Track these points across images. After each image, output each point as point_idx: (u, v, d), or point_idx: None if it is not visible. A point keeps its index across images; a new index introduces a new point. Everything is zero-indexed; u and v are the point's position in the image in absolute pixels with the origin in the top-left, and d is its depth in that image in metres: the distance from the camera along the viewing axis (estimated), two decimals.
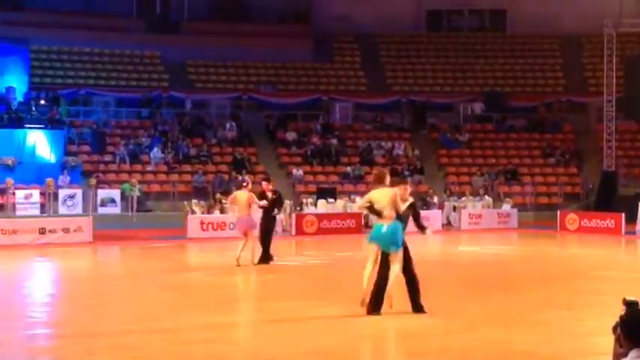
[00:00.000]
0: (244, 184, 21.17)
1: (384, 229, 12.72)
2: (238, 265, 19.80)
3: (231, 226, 28.07)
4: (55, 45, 41.95)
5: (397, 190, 12.85)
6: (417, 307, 13.10)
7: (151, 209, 33.84)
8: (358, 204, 13.22)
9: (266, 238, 20.76)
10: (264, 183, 21.81)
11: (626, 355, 5.06)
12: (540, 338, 11.63)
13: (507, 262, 22.75)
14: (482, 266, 21.25)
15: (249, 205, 20.32)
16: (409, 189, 13.33)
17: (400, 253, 12.78)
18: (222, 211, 30.84)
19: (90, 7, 42.70)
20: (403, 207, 12.89)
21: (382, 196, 12.84)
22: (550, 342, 11.43)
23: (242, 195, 20.44)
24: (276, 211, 21.41)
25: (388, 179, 13.00)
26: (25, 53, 38.85)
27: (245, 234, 20.25)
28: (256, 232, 20.71)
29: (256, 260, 20.27)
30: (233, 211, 21.44)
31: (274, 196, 21.04)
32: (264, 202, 20.60)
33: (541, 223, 34.09)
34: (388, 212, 12.69)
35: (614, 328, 5.30)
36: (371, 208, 13.04)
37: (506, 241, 29.91)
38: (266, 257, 20.62)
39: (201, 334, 11.79)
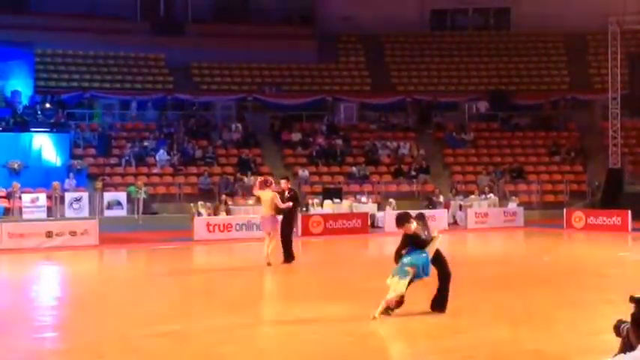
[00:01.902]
0: (267, 183, 21.27)
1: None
2: (269, 264, 20.02)
3: (242, 227, 28.41)
4: (59, 48, 41.98)
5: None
6: (439, 306, 13.15)
7: (156, 212, 33.84)
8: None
9: (286, 238, 20.94)
10: (282, 182, 21.94)
11: (633, 349, 5.07)
12: (547, 336, 11.63)
13: (514, 261, 22.73)
14: (488, 265, 21.24)
15: (273, 205, 20.50)
16: (413, 225, 13.27)
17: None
18: (227, 212, 30.89)
19: (94, 10, 42.75)
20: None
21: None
22: (557, 340, 11.43)
23: (266, 195, 20.64)
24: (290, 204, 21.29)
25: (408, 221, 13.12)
26: (30, 57, 38.92)
27: (269, 233, 20.51)
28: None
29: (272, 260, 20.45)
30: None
31: (289, 195, 21.18)
32: (288, 204, 20.73)
33: (547, 221, 34.05)
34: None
35: (616, 327, 5.30)
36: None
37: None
38: (288, 257, 20.82)
39: (210, 336, 11.81)
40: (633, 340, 5.09)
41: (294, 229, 21.90)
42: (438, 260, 13.17)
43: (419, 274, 12.84)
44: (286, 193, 21.15)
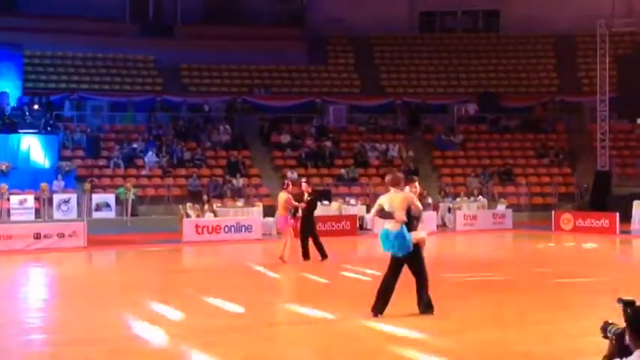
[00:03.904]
0: (284, 186, 22.05)
1: (392, 236, 12.76)
2: (284, 262, 20.95)
3: (230, 229, 28.62)
4: (48, 50, 41.93)
5: (410, 194, 12.92)
6: (426, 308, 13.12)
7: (138, 214, 33.62)
8: (371, 214, 13.47)
9: (304, 238, 21.73)
10: (303, 185, 22.73)
11: (630, 353, 5.07)
12: (536, 338, 11.65)
13: (502, 263, 22.76)
14: (477, 267, 21.26)
15: (286, 206, 21.28)
16: (418, 188, 13.39)
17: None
18: (215, 214, 30.89)
19: (83, 11, 42.63)
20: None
21: (395, 199, 12.87)
22: (546, 342, 11.45)
23: (282, 196, 21.46)
24: (299, 212, 21.93)
25: (403, 184, 13.09)
26: (19, 58, 38.80)
27: (284, 233, 21.43)
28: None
29: (286, 258, 21.20)
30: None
31: (309, 198, 21.93)
32: (301, 204, 21.59)
33: (536, 223, 34.11)
34: (399, 216, 12.71)
35: (603, 329, 5.30)
36: (382, 212, 12.99)
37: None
38: (306, 255, 21.61)
39: (199, 338, 11.80)
40: (631, 344, 5.07)
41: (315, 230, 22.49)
42: (415, 261, 13.05)
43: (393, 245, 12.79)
44: (306, 195, 21.96)
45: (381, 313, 12.95)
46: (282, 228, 21.79)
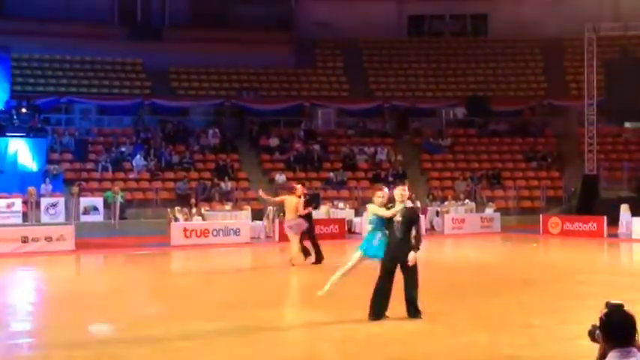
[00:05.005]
0: (293, 190, 22.37)
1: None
2: (293, 265, 21.27)
3: (219, 232, 28.50)
4: (36, 53, 41.78)
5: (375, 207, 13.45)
6: (414, 311, 13.15)
7: (126, 217, 33.56)
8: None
9: (302, 239, 21.92)
10: (298, 187, 22.75)
11: (605, 356, 5.07)
12: (525, 342, 11.67)
13: (491, 266, 22.80)
14: (466, 270, 21.29)
15: (297, 210, 21.45)
16: (405, 192, 13.67)
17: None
18: (203, 218, 30.86)
19: (71, 14, 42.54)
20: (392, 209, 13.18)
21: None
22: (534, 346, 11.47)
23: (291, 200, 21.65)
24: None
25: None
26: (7, 61, 38.65)
27: (299, 235, 21.64)
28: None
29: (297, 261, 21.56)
30: (273, 205, 22.45)
31: (304, 200, 22.09)
32: (309, 209, 22.03)
33: (524, 226, 34.20)
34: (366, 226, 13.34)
35: (591, 333, 5.31)
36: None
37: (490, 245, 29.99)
38: (319, 257, 21.95)
39: (185, 343, 11.77)
40: (606, 347, 5.08)
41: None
42: (408, 266, 13.10)
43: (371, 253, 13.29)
44: (301, 198, 22.03)
45: (381, 316, 13.04)
46: (298, 231, 21.65)
